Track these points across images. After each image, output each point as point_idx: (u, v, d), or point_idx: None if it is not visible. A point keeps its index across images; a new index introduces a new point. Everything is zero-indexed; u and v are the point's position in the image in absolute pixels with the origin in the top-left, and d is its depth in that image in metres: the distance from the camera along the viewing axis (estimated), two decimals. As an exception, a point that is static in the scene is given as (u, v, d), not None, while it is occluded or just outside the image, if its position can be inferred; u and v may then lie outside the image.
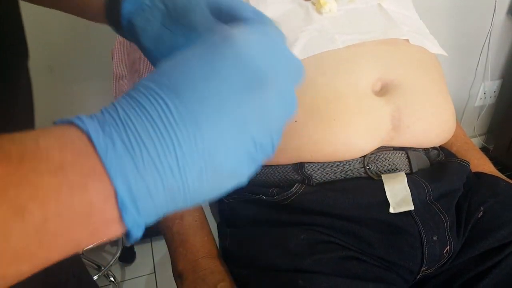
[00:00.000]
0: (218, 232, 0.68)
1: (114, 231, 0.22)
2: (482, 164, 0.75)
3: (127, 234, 0.22)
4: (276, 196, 0.59)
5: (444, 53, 0.69)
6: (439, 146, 0.69)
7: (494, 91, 1.90)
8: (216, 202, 0.73)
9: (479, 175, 0.69)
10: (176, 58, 0.25)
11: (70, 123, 0.22)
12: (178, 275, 0.61)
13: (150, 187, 0.21)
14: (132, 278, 1.53)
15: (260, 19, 0.33)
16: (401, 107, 0.59)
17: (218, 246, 0.66)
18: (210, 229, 0.66)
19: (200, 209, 0.67)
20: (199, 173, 0.22)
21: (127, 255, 1.58)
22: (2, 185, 0.18)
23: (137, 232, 0.22)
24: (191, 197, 0.23)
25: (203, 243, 0.63)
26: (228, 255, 0.64)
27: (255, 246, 0.59)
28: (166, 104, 0.22)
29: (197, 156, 0.22)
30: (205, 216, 0.67)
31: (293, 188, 0.57)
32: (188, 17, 0.35)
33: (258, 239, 0.59)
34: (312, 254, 0.54)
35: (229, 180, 0.25)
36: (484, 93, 1.87)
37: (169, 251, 0.64)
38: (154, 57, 0.38)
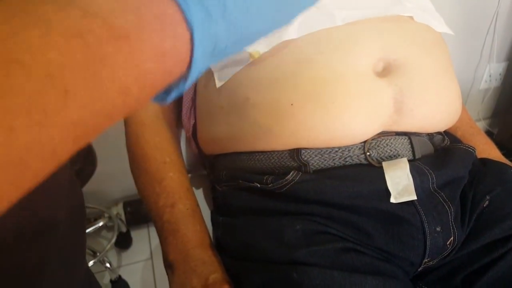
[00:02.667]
0: (211, 221, 0.66)
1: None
2: (488, 150, 0.73)
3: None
4: (271, 184, 0.56)
5: (451, 32, 0.65)
6: (444, 131, 0.66)
7: (500, 74, 1.86)
8: (209, 189, 0.70)
9: (485, 161, 0.66)
10: None
11: None
12: (168, 266, 0.59)
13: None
14: (128, 264, 1.52)
15: None
16: (404, 89, 0.55)
17: (211, 235, 0.63)
18: (202, 217, 0.63)
19: (193, 197, 0.65)
20: None
21: (123, 241, 1.56)
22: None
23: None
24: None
25: (194, 232, 0.60)
26: (221, 245, 0.62)
27: (248, 236, 0.57)
28: None
29: None
30: (198, 204, 0.64)
31: (289, 176, 0.54)
32: None
33: (252, 229, 0.57)
34: (308, 246, 0.51)
35: None
36: (490, 76, 1.83)
37: (159, 241, 0.62)
38: None
